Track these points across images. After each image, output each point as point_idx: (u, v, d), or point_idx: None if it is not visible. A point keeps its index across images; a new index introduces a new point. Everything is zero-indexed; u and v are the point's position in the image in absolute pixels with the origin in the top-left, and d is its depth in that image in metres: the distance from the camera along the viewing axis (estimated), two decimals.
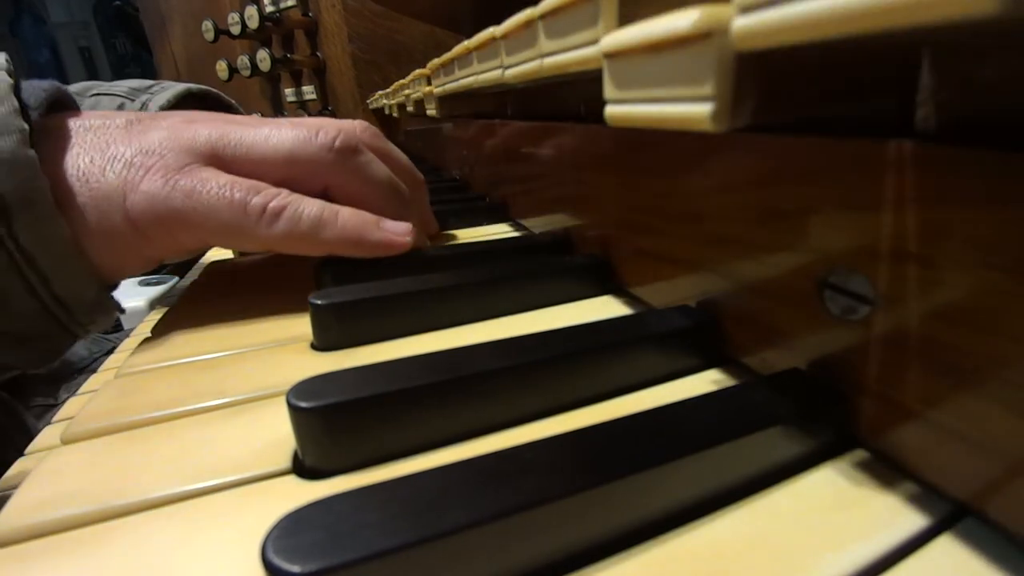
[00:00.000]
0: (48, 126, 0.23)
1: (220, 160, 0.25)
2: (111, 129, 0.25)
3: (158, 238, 0.24)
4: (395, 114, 0.68)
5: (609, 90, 0.15)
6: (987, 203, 0.10)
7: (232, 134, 0.26)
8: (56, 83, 0.26)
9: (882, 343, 0.13)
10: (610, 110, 0.15)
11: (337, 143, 0.27)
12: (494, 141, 0.40)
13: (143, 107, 0.40)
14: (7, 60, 0.23)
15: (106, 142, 0.24)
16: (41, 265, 0.22)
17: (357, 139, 0.28)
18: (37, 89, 0.24)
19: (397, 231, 0.26)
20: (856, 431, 0.14)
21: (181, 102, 0.41)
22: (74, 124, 0.24)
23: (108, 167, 0.23)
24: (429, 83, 0.43)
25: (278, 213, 0.24)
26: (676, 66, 0.12)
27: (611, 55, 0.14)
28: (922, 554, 0.11)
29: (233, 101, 0.44)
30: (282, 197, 0.25)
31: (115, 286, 0.27)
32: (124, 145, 0.24)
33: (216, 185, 0.24)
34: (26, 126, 0.21)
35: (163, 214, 0.23)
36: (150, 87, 0.43)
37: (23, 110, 0.22)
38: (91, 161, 0.23)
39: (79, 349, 0.56)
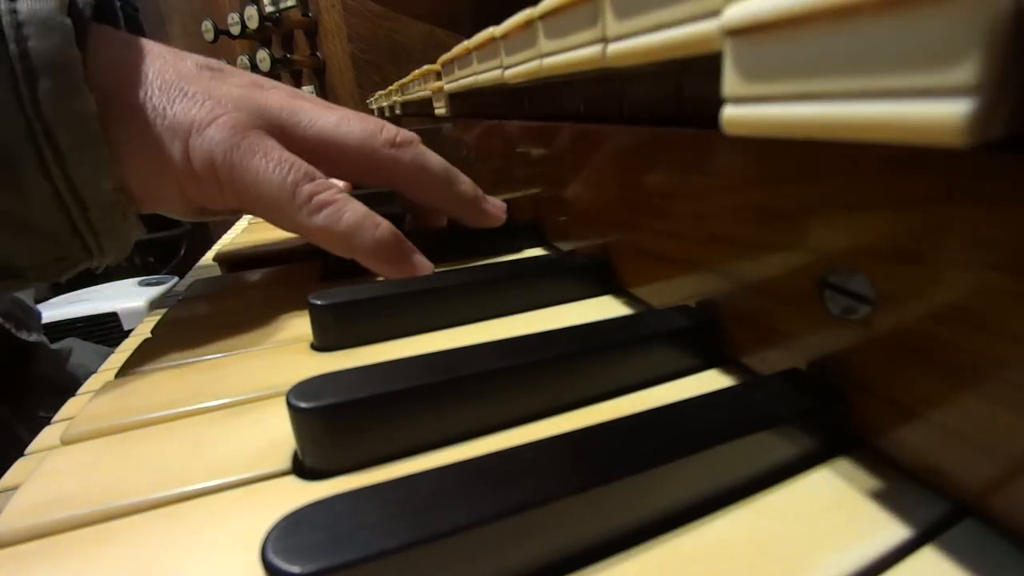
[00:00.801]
0: (104, 32, 0.23)
1: (287, 134, 0.26)
2: (182, 66, 0.25)
3: (205, 185, 0.24)
4: (398, 111, 0.68)
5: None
6: (987, 203, 0.10)
7: (304, 112, 0.27)
8: None
9: (882, 343, 0.13)
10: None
11: (399, 138, 0.29)
12: (493, 141, 0.40)
13: None
14: None
15: (178, 75, 0.24)
16: (59, 140, 0.21)
17: (412, 136, 0.30)
18: None
19: (422, 268, 0.27)
20: (856, 431, 0.14)
21: None
22: (143, 43, 0.25)
23: (179, 99, 0.23)
24: (439, 78, 0.42)
25: (322, 206, 0.25)
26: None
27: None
28: (922, 554, 0.11)
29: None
30: (331, 192, 0.25)
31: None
32: (198, 86, 0.24)
33: (277, 159, 0.24)
34: (68, 21, 0.21)
35: (220, 165, 0.23)
36: None
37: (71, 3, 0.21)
38: (160, 87, 0.23)
39: (91, 361, 0.56)
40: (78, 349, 0.59)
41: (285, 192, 0.24)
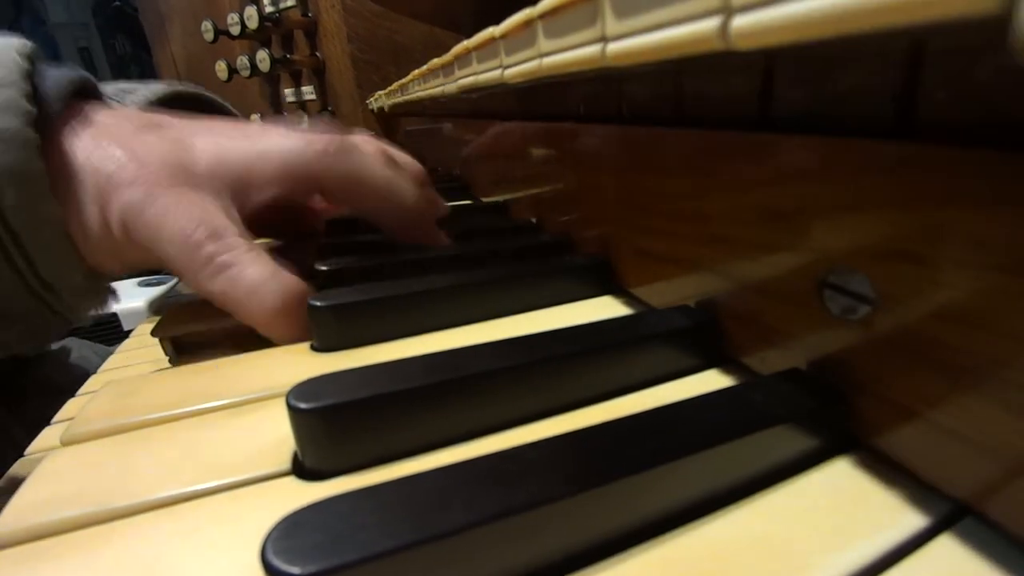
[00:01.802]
0: (69, 114, 0.24)
1: (213, 180, 0.25)
2: (122, 128, 0.25)
3: (129, 247, 0.24)
4: (399, 111, 0.68)
5: None
6: (987, 203, 0.10)
7: (225, 151, 0.26)
8: (85, 74, 0.26)
9: (882, 343, 0.13)
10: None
11: (332, 147, 0.27)
12: (493, 141, 0.40)
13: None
14: (31, 47, 0.23)
15: (111, 140, 0.24)
16: (26, 244, 0.22)
17: (354, 142, 0.28)
18: (61, 78, 0.24)
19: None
20: (856, 431, 0.14)
21: (171, 102, 0.41)
22: (92, 116, 0.24)
23: (102, 165, 0.23)
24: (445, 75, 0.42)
25: (221, 269, 0.23)
26: None
27: None
28: (922, 554, 0.11)
29: (227, 104, 0.44)
30: (234, 253, 0.23)
31: (108, 277, 0.27)
32: (124, 149, 0.24)
33: (185, 217, 0.23)
34: (33, 109, 0.21)
35: (131, 227, 0.23)
36: (136, 89, 0.43)
37: (35, 94, 0.22)
38: (88, 157, 0.23)
39: (91, 360, 0.56)
40: (76, 349, 0.59)
41: (187, 252, 0.23)
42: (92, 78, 0.26)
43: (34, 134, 0.21)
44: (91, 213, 0.23)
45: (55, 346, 0.58)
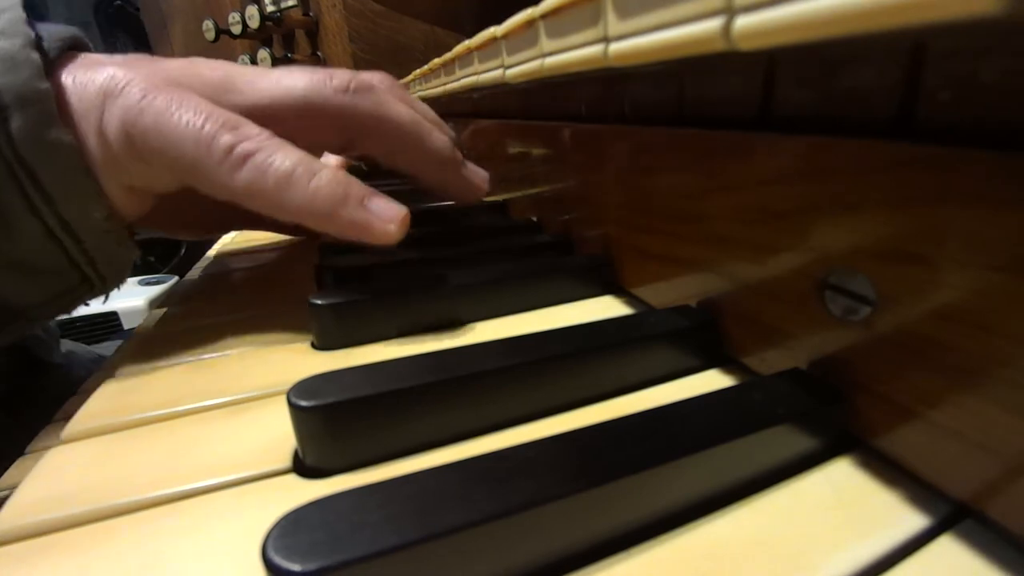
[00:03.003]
0: (67, 57, 0.22)
1: (218, 97, 0.23)
2: (116, 58, 0.23)
3: (134, 163, 0.21)
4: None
5: None
6: (987, 203, 0.10)
7: (239, 75, 0.24)
8: (75, 30, 0.24)
9: (882, 343, 0.13)
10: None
11: (353, 84, 0.25)
12: (493, 141, 0.40)
13: None
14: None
15: (105, 63, 0.22)
16: (41, 177, 0.20)
17: (373, 81, 0.26)
18: (57, 28, 0.22)
19: (383, 215, 0.21)
20: (856, 431, 0.14)
21: None
22: (89, 55, 0.23)
23: (93, 80, 0.21)
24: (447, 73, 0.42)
25: (245, 158, 0.20)
26: None
27: None
28: (922, 554, 0.11)
29: None
30: (257, 140, 0.21)
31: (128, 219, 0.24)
32: (117, 66, 0.22)
33: (192, 110, 0.20)
34: (32, 33, 0.20)
35: (132, 133, 0.20)
36: None
37: (37, 40, 0.20)
38: (83, 79, 0.21)
39: (82, 362, 0.55)
40: (78, 356, 0.59)
41: (200, 146, 0.20)
42: (84, 36, 0.24)
43: (37, 56, 0.20)
44: (89, 135, 0.21)
45: (59, 354, 0.58)
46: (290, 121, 0.24)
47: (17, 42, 0.20)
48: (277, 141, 0.21)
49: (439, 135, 0.28)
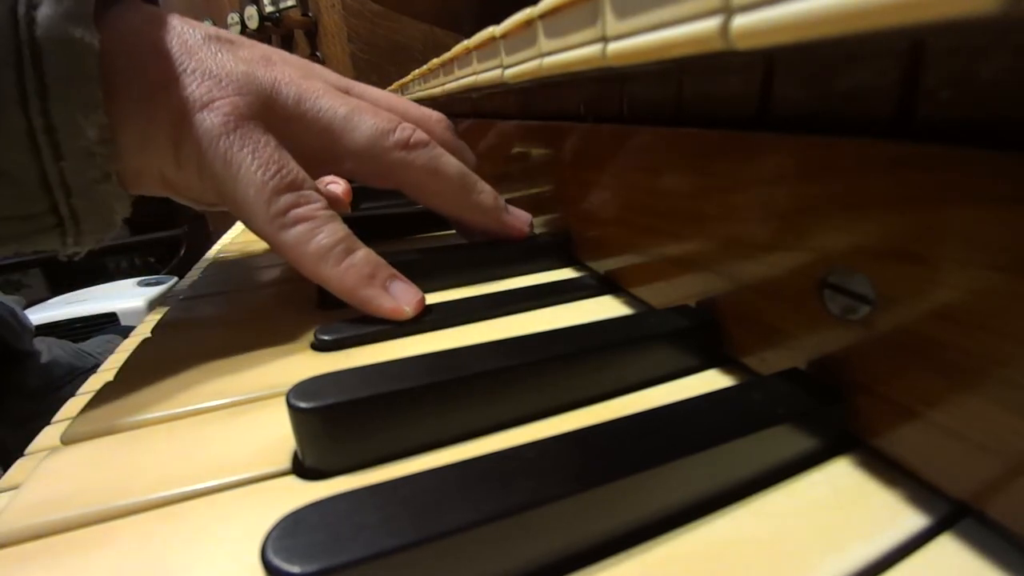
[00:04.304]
0: (126, 4, 0.22)
1: (291, 121, 0.24)
2: (188, 37, 0.23)
3: (187, 172, 0.22)
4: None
5: None
6: (987, 203, 0.10)
7: (312, 98, 0.25)
8: None
9: (882, 343, 0.13)
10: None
11: (412, 139, 0.27)
12: (492, 140, 0.40)
13: None
14: None
15: (182, 47, 0.22)
16: (46, 67, 0.18)
17: (435, 131, 0.28)
18: None
19: (401, 298, 0.23)
20: (856, 431, 0.14)
21: None
22: (156, 12, 0.23)
23: (180, 78, 0.22)
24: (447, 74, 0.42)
25: (296, 222, 0.22)
26: None
27: None
28: (922, 554, 0.11)
29: None
30: (311, 208, 0.23)
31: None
32: (198, 62, 0.22)
33: (262, 159, 0.22)
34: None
35: (203, 152, 0.22)
36: None
37: None
38: (158, 62, 0.22)
39: (61, 359, 0.55)
40: (47, 350, 0.59)
41: (262, 198, 0.22)
42: None
43: (91, 39, 0.19)
44: (159, 127, 0.21)
45: (32, 347, 0.57)
46: (346, 159, 0.26)
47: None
48: (328, 214, 0.23)
49: (485, 188, 0.29)
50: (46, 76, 0.18)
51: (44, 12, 0.18)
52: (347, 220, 0.24)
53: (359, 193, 0.37)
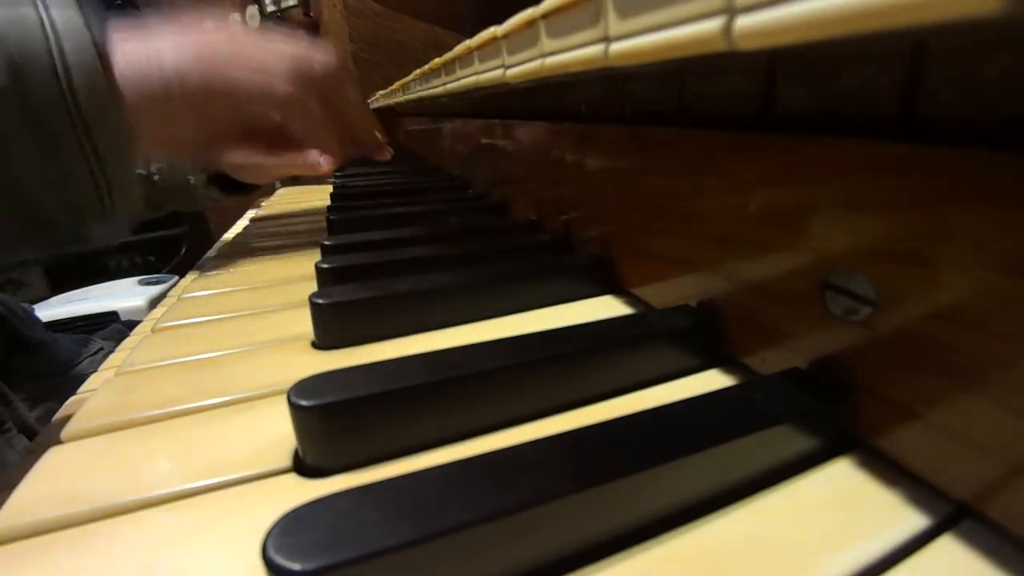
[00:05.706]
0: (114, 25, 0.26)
1: None
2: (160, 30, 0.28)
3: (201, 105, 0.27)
4: (400, 110, 0.68)
5: None
6: (987, 203, 0.10)
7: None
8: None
9: (883, 343, 0.13)
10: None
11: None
12: (492, 141, 0.40)
13: None
14: None
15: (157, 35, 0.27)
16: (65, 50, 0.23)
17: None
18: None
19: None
20: (856, 431, 0.14)
21: None
22: (135, 26, 0.27)
23: (161, 54, 0.26)
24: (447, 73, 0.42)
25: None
26: None
27: None
28: (923, 554, 0.11)
29: None
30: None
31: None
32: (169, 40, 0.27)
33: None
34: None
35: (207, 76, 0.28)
36: None
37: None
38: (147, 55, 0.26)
39: (68, 346, 0.56)
40: (52, 340, 0.60)
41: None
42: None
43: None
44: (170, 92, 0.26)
45: (40, 331, 0.58)
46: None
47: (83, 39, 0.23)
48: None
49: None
50: (71, 69, 0.23)
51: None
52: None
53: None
